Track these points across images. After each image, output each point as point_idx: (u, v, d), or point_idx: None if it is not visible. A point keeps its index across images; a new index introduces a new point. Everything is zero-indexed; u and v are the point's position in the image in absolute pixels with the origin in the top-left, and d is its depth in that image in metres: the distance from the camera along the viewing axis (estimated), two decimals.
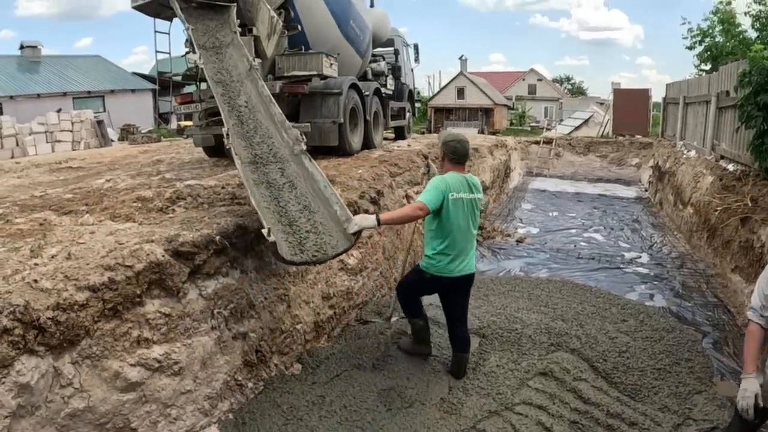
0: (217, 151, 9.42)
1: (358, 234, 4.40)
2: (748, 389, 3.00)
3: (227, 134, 5.11)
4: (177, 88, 8.60)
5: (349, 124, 9.20)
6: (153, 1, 7.72)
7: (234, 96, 6.00)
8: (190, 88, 10.65)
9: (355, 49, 10.48)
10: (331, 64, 8.66)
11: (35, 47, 28.77)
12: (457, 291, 4.55)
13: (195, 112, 8.55)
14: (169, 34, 8.39)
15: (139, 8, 8.04)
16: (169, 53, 8.47)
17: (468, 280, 4.52)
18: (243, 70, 6.55)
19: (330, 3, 9.07)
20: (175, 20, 8.00)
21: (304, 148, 5.39)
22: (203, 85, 8.49)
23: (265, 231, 3.95)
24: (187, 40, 7.90)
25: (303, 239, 4.31)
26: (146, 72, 32.10)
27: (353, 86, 9.45)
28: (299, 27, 8.43)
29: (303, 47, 8.78)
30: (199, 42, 6.79)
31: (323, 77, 8.59)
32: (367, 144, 10.44)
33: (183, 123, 8.86)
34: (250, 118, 5.72)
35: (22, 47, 28.63)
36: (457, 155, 4.38)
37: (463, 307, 4.67)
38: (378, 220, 4.19)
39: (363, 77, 11.74)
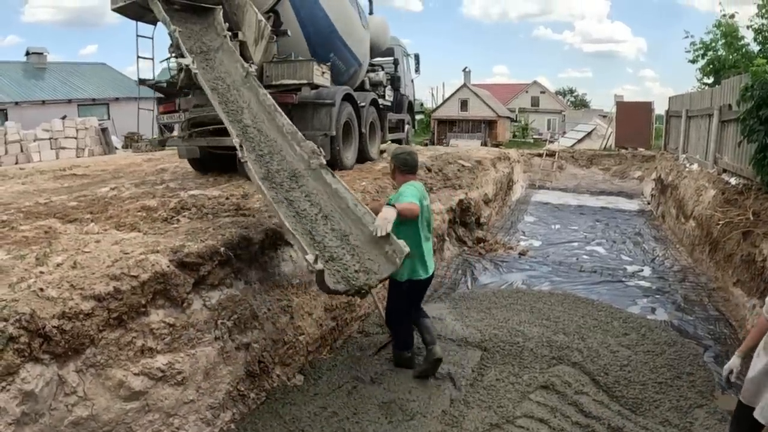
0: (204, 164, 8.92)
1: (402, 256, 4.12)
2: (728, 365, 3.27)
3: (240, 145, 4.82)
4: (174, 95, 8.26)
5: (342, 137, 8.84)
6: (134, 3, 7.31)
7: (232, 105, 5.72)
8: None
9: (354, 57, 10.08)
10: (323, 73, 8.19)
11: (41, 54, 28.95)
12: (423, 290, 4.92)
13: (178, 123, 8.04)
14: (152, 38, 7.95)
15: (119, 11, 7.60)
16: (152, 58, 8.01)
17: (431, 278, 4.81)
18: (238, 77, 6.27)
19: (327, 4, 8.70)
20: (159, 24, 7.54)
21: (324, 161, 5.12)
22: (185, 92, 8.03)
23: (310, 257, 3.75)
24: (171, 44, 7.47)
25: (344, 266, 4.07)
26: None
27: (347, 97, 9.07)
28: (289, 32, 8.05)
29: (297, 53, 8.34)
30: (186, 46, 6.48)
31: (314, 86, 8.13)
32: (363, 158, 10.06)
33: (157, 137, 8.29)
34: (254, 130, 5.43)
35: (27, 54, 28.80)
36: (408, 166, 4.66)
37: (422, 297, 5.04)
38: (396, 212, 4.17)
39: (360, 87, 11.35)
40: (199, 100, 7.66)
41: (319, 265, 3.70)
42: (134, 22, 7.78)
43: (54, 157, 17.46)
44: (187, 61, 6.16)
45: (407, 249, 4.13)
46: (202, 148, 8.04)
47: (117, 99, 27.73)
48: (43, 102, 25.14)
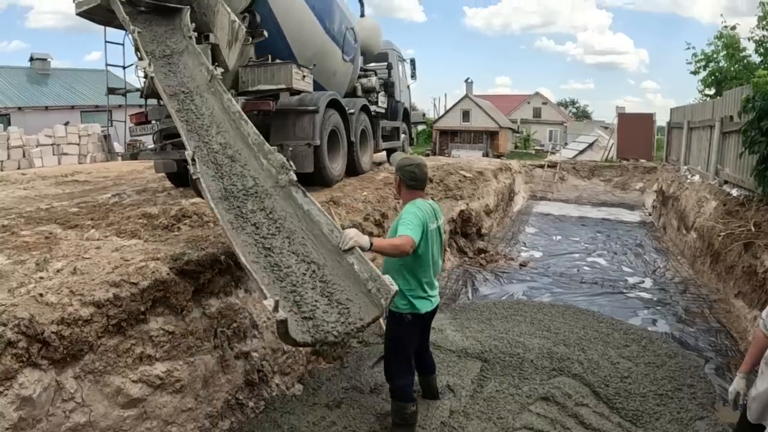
0: (182, 178, 8.09)
1: (389, 298, 3.35)
2: (733, 387, 3.15)
3: (193, 159, 4.22)
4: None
5: (328, 147, 8.14)
6: (99, 7, 6.73)
7: (192, 112, 5.17)
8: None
9: (344, 54, 9.56)
10: (304, 77, 7.54)
11: (45, 60, 29.05)
12: (429, 321, 4.21)
13: (151, 134, 7.63)
14: (123, 44, 7.44)
15: (85, 15, 7.03)
16: (123, 66, 7.54)
17: (437, 308, 4.16)
18: (201, 81, 5.70)
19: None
20: None
21: (294, 177, 4.46)
22: (153, 101, 7.57)
23: (269, 303, 2.95)
24: (135, 49, 6.74)
25: (313, 309, 3.29)
26: None
27: (333, 103, 8.34)
28: (265, 33, 7.47)
29: (280, 53, 7.80)
30: (147, 49, 6.01)
31: (294, 92, 7.52)
32: (353, 169, 9.46)
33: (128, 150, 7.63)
34: (215, 141, 4.81)
35: (31, 59, 28.91)
36: (415, 180, 3.90)
37: (429, 332, 4.38)
38: (371, 243, 3.55)
39: (352, 93, 10.93)
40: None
41: (281, 314, 2.89)
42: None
43: (56, 162, 17.51)
44: (144, 63, 5.72)
45: (395, 287, 3.38)
46: (177, 161, 7.45)
47: (120, 105, 27.75)
48: (46, 108, 25.19)
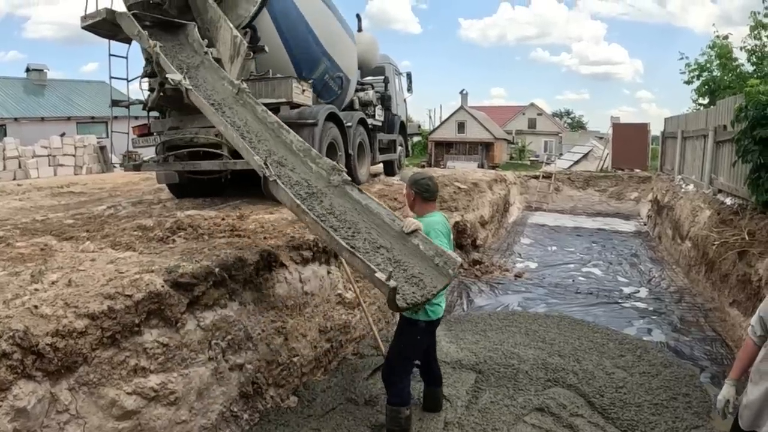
0: (182, 189, 8.42)
1: (455, 268, 3.80)
2: (722, 395, 3.15)
3: (266, 164, 4.50)
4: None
5: None
6: (105, 21, 6.87)
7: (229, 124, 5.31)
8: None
9: (342, 70, 9.66)
10: (303, 91, 7.77)
11: (41, 70, 29.08)
12: (436, 329, 4.40)
13: (153, 146, 7.72)
14: (126, 58, 7.52)
15: (90, 29, 7.15)
16: (127, 79, 7.54)
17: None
18: (226, 94, 5.93)
19: (308, 14, 8.42)
20: (134, 43, 7.18)
21: (348, 177, 4.77)
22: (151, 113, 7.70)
23: (381, 276, 3.42)
24: (147, 63, 6.94)
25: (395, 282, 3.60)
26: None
27: (331, 116, 8.49)
28: (266, 48, 7.68)
29: (280, 68, 7.99)
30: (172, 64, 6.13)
31: (294, 105, 7.72)
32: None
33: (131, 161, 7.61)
34: (257, 149, 4.98)
35: (28, 70, 28.92)
36: (430, 192, 4.20)
37: (435, 340, 4.57)
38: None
39: (349, 106, 11.07)
40: (174, 121, 7.40)
41: (393, 283, 3.39)
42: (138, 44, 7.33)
43: (52, 173, 17.49)
44: (177, 77, 5.85)
45: (459, 259, 3.87)
46: (179, 172, 7.73)
47: (116, 117, 27.76)
48: (43, 119, 25.18)
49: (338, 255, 4.87)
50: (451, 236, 4.25)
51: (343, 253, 3.82)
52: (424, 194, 4.17)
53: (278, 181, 4.38)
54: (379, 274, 3.45)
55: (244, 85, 6.04)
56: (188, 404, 3.69)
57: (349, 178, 4.78)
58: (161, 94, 6.55)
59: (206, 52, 6.67)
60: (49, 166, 17.74)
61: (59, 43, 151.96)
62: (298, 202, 4.19)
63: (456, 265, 3.77)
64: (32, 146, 17.84)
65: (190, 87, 5.70)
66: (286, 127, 5.35)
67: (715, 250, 7.78)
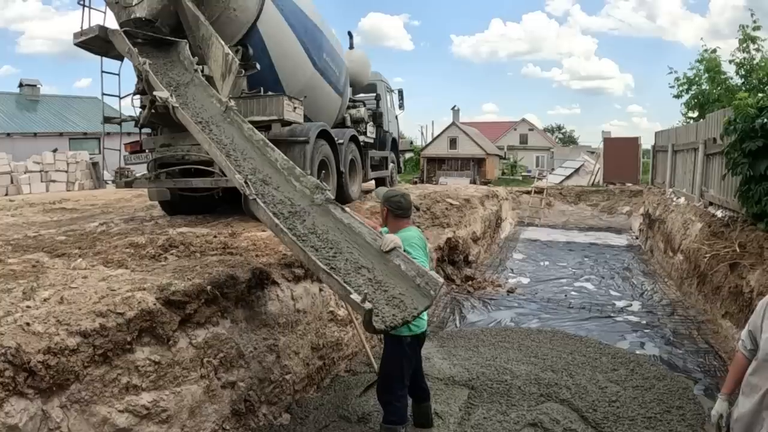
0: (174, 206, 8.42)
1: (437, 289, 3.77)
2: (715, 410, 3.17)
3: (246, 182, 4.51)
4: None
5: (318, 176, 7.76)
6: (97, 38, 6.88)
7: (216, 142, 5.33)
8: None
9: (332, 87, 9.75)
10: (295, 108, 7.73)
11: (34, 86, 29.11)
12: (423, 343, 4.37)
13: (145, 162, 7.68)
14: (119, 75, 7.52)
15: (82, 45, 7.15)
16: (119, 96, 7.50)
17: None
18: (215, 112, 5.95)
19: (299, 33, 8.44)
20: (126, 60, 7.03)
21: (331, 196, 4.77)
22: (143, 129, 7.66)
23: (357, 297, 3.40)
24: (139, 79, 6.90)
25: (376, 304, 3.60)
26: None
27: (323, 133, 8.50)
28: (257, 66, 7.69)
29: (271, 85, 7.98)
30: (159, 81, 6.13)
31: (285, 123, 7.70)
32: (342, 198, 9.21)
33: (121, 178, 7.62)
34: (244, 166, 5.06)
35: (21, 85, 28.94)
36: (402, 209, 4.20)
37: (420, 354, 4.46)
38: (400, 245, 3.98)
39: (341, 124, 11.10)
40: (166, 138, 7.40)
41: (368, 305, 3.36)
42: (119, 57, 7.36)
43: (44, 189, 17.47)
44: (164, 94, 5.84)
45: (441, 280, 3.82)
46: (171, 189, 7.72)
47: (108, 133, 27.77)
48: (35, 134, 25.18)
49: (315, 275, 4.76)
50: (428, 250, 4.24)
51: (320, 273, 3.79)
52: (396, 211, 4.19)
53: (258, 199, 4.37)
54: (354, 296, 3.42)
55: (232, 102, 6.09)
56: (180, 422, 3.67)
57: (333, 197, 4.78)
58: (152, 111, 6.53)
59: (196, 70, 6.69)
60: (42, 181, 17.72)
61: (53, 59, 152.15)
62: (277, 221, 4.17)
63: (438, 286, 3.75)
64: (24, 162, 17.84)
65: (177, 104, 5.72)
66: (271, 145, 5.37)
67: (706, 263, 7.82)
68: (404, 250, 3.99)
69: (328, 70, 9.60)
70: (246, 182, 4.49)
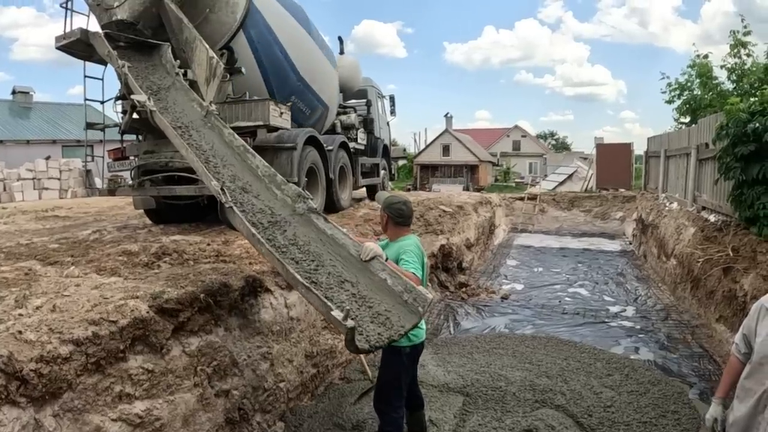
0: (160, 215, 8.29)
1: (425, 305, 3.58)
2: (710, 414, 3.18)
3: (222, 189, 4.36)
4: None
5: (306, 183, 8.08)
6: (79, 41, 6.77)
7: (196, 148, 5.19)
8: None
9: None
10: (282, 113, 7.62)
11: (27, 93, 29.03)
12: (421, 352, 4.28)
13: (129, 169, 7.62)
14: (102, 79, 7.41)
15: (64, 49, 7.06)
16: (102, 101, 7.47)
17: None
18: (196, 117, 5.81)
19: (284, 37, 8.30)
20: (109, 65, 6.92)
21: (314, 205, 4.62)
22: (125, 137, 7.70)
23: (339, 314, 3.21)
24: (123, 83, 6.66)
25: (359, 321, 3.44)
26: None
27: (311, 140, 8.34)
28: (243, 70, 7.63)
29: (256, 91, 7.89)
30: (137, 84, 6.02)
31: (272, 129, 7.59)
32: (332, 206, 9.40)
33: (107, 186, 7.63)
34: (223, 173, 4.89)
35: (14, 92, 28.85)
36: (403, 217, 4.07)
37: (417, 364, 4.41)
38: (386, 258, 3.86)
39: (331, 130, 11.00)
40: (150, 145, 7.29)
41: (350, 323, 3.17)
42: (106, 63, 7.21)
43: (37, 197, 17.41)
44: (142, 98, 5.70)
45: (431, 296, 3.64)
46: (155, 197, 7.60)
47: (101, 141, 27.69)
48: (28, 142, 25.10)
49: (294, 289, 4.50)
50: (426, 259, 4.06)
51: (299, 287, 3.61)
52: (397, 219, 4.05)
53: (234, 208, 4.22)
54: (335, 313, 3.23)
55: (213, 107, 5.95)
56: (174, 431, 3.65)
57: (315, 206, 4.63)
58: (133, 116, 6.44)
59: (177, 73, 6.56)
60: (34, 189, 17.67)
61: (47, 66, 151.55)
62: (254, 231, 4.02)
63: (426, 302, 3.55)
64: (17, 169, 17.78)
65: (154, 108, 5.59)
66: (252, 152, 5.22)
67: (700, 267, 7.85)
68: (399, 257, 3.87)
69: (316, 83, 9.48)
70: (222, 189, 4.35)
